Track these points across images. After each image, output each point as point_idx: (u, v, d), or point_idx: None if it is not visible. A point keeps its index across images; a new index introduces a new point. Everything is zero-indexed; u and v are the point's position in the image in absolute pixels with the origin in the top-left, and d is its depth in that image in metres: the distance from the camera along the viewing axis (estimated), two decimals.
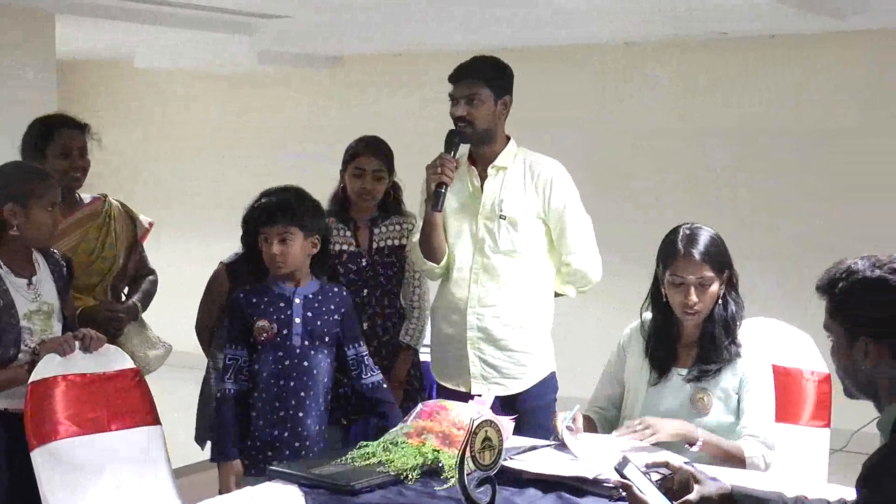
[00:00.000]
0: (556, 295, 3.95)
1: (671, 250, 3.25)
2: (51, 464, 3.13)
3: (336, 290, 3.58)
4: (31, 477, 3.12)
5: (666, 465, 2.69)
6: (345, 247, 4.03)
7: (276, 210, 3.45)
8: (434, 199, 3.70)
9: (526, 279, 3.81)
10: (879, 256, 2.30)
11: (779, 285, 6.21)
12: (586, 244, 3.84)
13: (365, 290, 4.01)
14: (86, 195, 4.01)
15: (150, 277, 4.13)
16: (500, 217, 3.77)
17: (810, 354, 3.54)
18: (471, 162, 3.86)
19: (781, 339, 3.57)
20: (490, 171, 3.82)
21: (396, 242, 4.04)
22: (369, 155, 4.01)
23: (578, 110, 6.86)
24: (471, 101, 3.73)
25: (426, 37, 6.77)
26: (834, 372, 2.46)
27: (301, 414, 3.41)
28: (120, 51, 7.86)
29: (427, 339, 4.14)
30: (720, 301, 3.26)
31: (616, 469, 2.54)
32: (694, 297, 3.21)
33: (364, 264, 4.02)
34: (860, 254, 2.35)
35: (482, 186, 3.81)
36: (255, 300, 3.47)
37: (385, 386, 3.59)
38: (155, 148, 8.43)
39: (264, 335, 3.41)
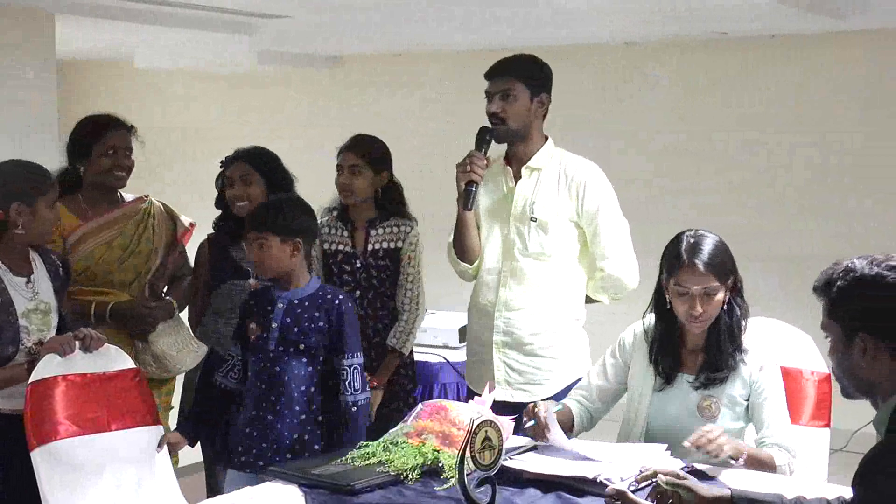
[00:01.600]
0: (589, 301, 3.85)
1: (675, 259, 3.19)
2: (51, 464, 3.12)
3: (330, 297, 3.48)
4: (30, 477, 3.12)
5: (654, 475, 2.71)
6: (340, 247, 4.03)
7: (252, 217, 3.50)
8: (464, 197, 3.65)
9: (555, 283, 3.73)
10: (876, 255, 2.30)
11: (781, 287, 6.19)
12: (621, 249, 3.73)
13: (357, 292, 3.99)
14: (128, 195, 4.04)
15: (190, 277, 4.14)
16: (531, 219, 3.70)
17: (810, 354, 3.53)
18: (506, 162, 3.80)
19: (781, 338, 3.56)
20: (524, 171, 3.75)
21: (392, 245, 4.02)
22: (346, 151, 4.01)
23: (579, 110, 6.86)
24: (505, 97, 3.67)
25: (426, 36, 6.77)
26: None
27: (271, 417, 3.40)
28: (120, 51, 7.86)
29: (426, 340, 4.13)
30: (725, 307, 3.22)
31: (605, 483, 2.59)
32: (699, 308, 3.17)
33: (358, 265, 4.01)
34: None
35: (515, 187, 3.76)
36: (253, 302, 3.51)
37: (356, 409, 3.43)
38: (155, 148, 8.41)
39: (252, 336, 3.45)
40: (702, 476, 2.97)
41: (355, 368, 3.44)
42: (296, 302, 3.45)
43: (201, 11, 5.92)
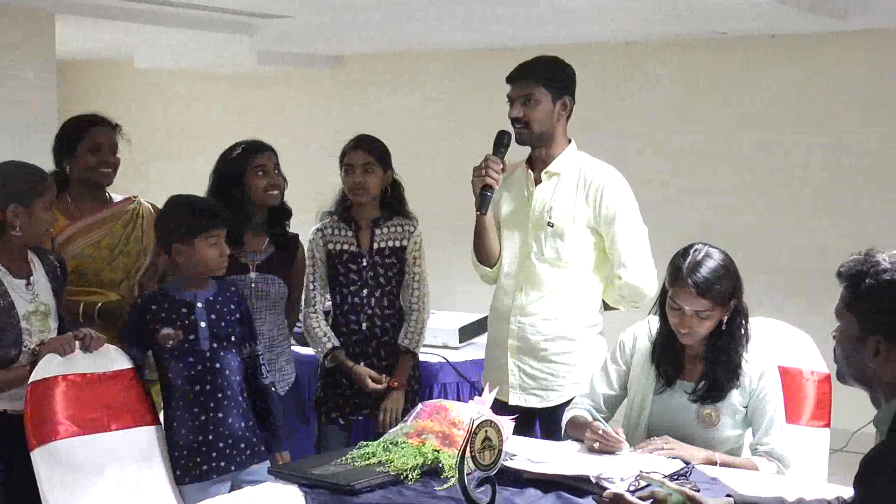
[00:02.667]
0: (608, 308, 3.81)
1: (675, 274, 3.15)
2: (51, 464, 3.13)
3: (234, 288, 3.60)
4: (32, 477, 3.12)
5: (659, 482, 2.70)
6: (346, 246, 4.02)
7: (218, 213, 3.52)
8: (479, 202, 3.62)
9: (571, 290, 3.70)
10: None
11: (795, 288, 6.19)
12: (639, 257, 3.66)
13: (364, 291, 4.00)
14: (117, 195, 4.04)
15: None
16: (548, 224, 3.67)
17: (810, 354, 3.53)
18: (529, 165, 3.77)
19: (781, 339, 3.56)
20: (543, 176, 3.72)
21: (397, 244, 4.03)
22: (357, 150, 3.99)
23: (580, 109, 6.84)
24: (526, 101, 3.63)
25: (427, 35, 6.76)
26: (834, 372, 2.45)
27: (221, 415, 3.43)
28: (120, 51, 7.86)
29: (426, 339, 4.13)
30: (724, 328, 3.18)
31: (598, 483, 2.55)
32: (685, 327, 3.14)
33: (364, 264, 4.01)
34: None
35: (534, 191, 3.72)
36: (155, 307, 3.46)
37: (274, 389, 3.64)
38: (156, 148, 8.43)
39: (170, 342, 3.42)
40: (702, 476, 2.97)
41: (259, 354, 3.60)
42: (211, 299, 3.49)
43: (202, 11, 5.92)
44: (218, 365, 3.44)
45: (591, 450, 3.16)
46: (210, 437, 3.41)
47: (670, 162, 6.82)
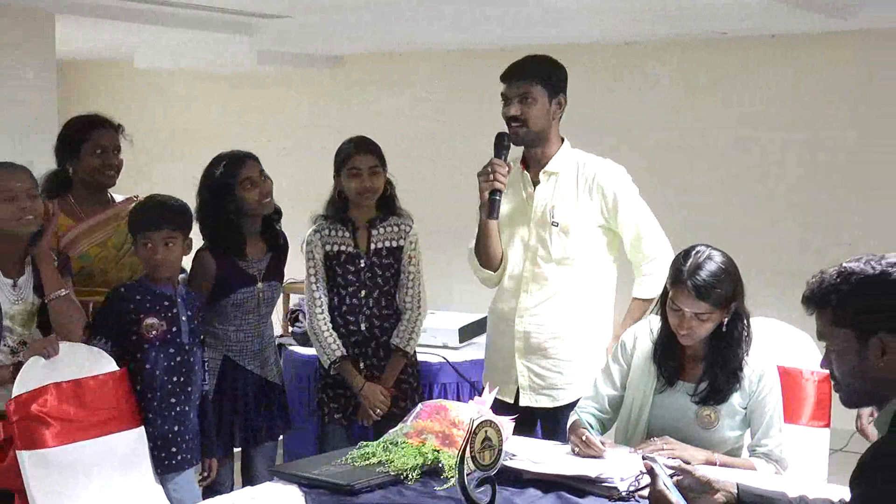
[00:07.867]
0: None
1: (675, 275, 3.14)
2: (40, 469, 3.12)
3: (192, 293, 3.67)
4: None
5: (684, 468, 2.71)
6: (343, 248, 4.01)
7: (162, 214, 3.53)
8: (489, 206, 3.59)
9: (577, 287, 3.69)
10: (867, 255, 2.26)
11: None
12: (658, 245, 3.69)
13: (363, 292, 3.99)
14: (119, 196, 4.05)
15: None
16: (553, 224, 3.66)
17: (810, 354, 3.53)
18: (524, 166, 3.75)
19: (781, 339, 3.56)
20: (542, 176, 3.70)
21: (394, 244, 4.02)
22: (363, 153, 3.96)
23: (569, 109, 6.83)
24: (524, 99, 3.60)
25: (416, 36, 6.76)
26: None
27: (187, 408, 3.55)
28: (120, 51, 7.87)
29: (426, 340, 4.13)
30: (724, 329, 3.17)
31: (644, 457, 2.52)
32: (685, 328, 3.14)
33: (362, 265, 4.00)
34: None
35: (534, 192, 3.71)
36: (139, 297, 3.49)
37: (209, 398, 3.71)
38: (156, 148, 8.43)
39: (153, 332, 3.47)
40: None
41: (205, 359, 3.71)
42: (185, 297, 3.59)
43: (202, 11, 5.92)
44: (192, 359, 3.55)
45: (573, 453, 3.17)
46: (177, 427, 3.50)
47: (668, 161, 6.81)
